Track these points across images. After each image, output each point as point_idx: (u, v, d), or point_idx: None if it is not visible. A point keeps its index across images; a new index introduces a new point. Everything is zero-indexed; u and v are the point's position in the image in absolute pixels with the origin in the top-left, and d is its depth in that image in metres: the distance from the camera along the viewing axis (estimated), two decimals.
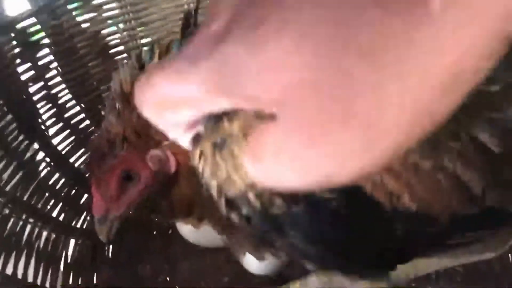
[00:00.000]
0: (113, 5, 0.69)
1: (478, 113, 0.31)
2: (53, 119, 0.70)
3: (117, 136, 0.48)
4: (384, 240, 0.34)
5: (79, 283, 0.59)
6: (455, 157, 0.31)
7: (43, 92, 0.69)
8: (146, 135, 0.48)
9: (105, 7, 0.68)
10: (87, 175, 0.68)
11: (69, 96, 0.73)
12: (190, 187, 0.51)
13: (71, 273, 0.60)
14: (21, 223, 0.58)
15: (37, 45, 0.66)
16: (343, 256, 0.34)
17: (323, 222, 0.31)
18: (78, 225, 0.66)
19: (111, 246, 0.66)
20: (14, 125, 0.62)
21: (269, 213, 0.30)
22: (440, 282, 0.59)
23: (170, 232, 0.64)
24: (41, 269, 0.57)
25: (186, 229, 0.62)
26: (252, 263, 0.61)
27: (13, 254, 0.55)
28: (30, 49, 0.65)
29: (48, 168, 0.67)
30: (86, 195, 0.69)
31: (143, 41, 0.73)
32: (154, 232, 0.69)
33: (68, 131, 0.72)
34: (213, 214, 0.51)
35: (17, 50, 0.62)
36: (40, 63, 0.67)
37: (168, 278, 0.63)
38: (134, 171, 0.49)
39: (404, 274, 0.55)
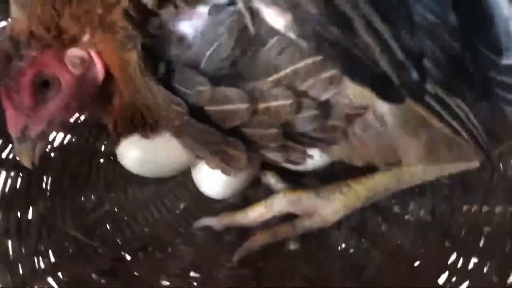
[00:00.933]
0: None
1: None
2: None
3: (22, 32, 0.39)
4: None
5: (10, 220, 0.51)
6: None
7: None
8: (57, 29, 0.39)
9: None
10: None
11: None
12: (130, 91, 0.42)
13: (0, 209, 0.52)
14: None
15: None
16: None
17: None
18: (10, 156, 0.57)
19: (49, 177, 0.57)
20: None
21: None
22: (425, 196, 0.52)
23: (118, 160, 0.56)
24: None
25: (128, 160, 0.54)
26: (211, 187, 0.53)
27: None
28: None
29: None
30: None
31: None
32: (101, 160, 0.60)
33: None
34: (163, 116, 0.41)
35: None
36: None
37: (115, 209, 0.55)
38: (51, 76, 0.41)
39: (384, 188, 0.48)
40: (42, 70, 0.40)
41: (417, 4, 0.34)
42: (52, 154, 0.60)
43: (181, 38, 0.37)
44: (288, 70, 0.37)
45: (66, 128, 0.62)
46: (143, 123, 0.44)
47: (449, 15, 0.35)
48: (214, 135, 0.38)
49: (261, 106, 0.38)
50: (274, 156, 0.44)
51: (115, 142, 0.51)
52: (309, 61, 0.36)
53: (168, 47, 0.37)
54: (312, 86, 0.38)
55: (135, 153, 0.53)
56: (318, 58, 0.35)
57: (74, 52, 0.40)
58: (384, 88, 0.36)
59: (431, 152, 0.43)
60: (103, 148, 0.62)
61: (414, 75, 0.36)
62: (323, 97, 0.39)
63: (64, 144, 0.61)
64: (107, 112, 0.45)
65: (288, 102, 0.38)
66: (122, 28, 0.37)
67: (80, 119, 0.64)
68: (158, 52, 0.38)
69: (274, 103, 0.38)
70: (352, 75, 0.36)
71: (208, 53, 0.36)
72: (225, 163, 0.41)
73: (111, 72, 0.42)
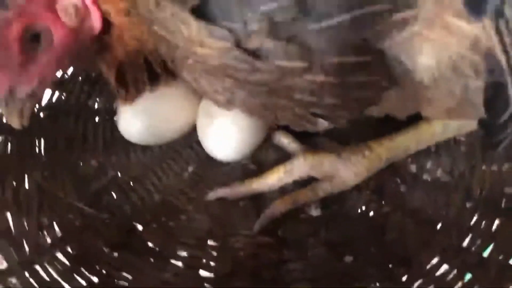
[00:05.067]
0: None
1: None
2: None
3: None
4: None
5: (5, 190, 0.47)
6: None
7: None
8: None
9: None
10: None
11: None
12: (140, 35, 0.38)
13: None
14: None
15: None
16: None
17: None
18: None
19: (42, 141, 0.52)
20: None
21: None
22: (441, 154, 0.51)
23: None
24: None
25: (131, 133, 0.50)
26: (221, 149, 0.50)
27: None
28: None
29: None
30: None
31: None
32: (96, 119, 0.56)
33: None
34: (192, 53, 0.36)
35: None
36: None
37: (119, 174, 0.52)
38: (42, 28, 0.36)
39: (404, 149, 0.47)
40: (32, 21, 0.35)
41: None
42: (42, 114, 0.55)
43: None
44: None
45: (54, 84, 0.57)
46: (162, 66, 0.40)
47: None
48: (270, 73, 0.33)
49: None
50: (286, 116, 0.41)
51: (128, 98, 0.45)
52: None
53: None
54: None
55: (137, 125, 0.49)
56: None
57: (67, 0, 0.36)
58: None
59: (460, 107, 0.40)
60: (96, 105, 0.57)
61: None
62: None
63: (53, 102, 0.56)
64: (107, 65, 0.41)
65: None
66: None
67: (67, 74, 0.59)
68: None
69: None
70: None
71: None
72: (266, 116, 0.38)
73: (110, 20, 0.38)
